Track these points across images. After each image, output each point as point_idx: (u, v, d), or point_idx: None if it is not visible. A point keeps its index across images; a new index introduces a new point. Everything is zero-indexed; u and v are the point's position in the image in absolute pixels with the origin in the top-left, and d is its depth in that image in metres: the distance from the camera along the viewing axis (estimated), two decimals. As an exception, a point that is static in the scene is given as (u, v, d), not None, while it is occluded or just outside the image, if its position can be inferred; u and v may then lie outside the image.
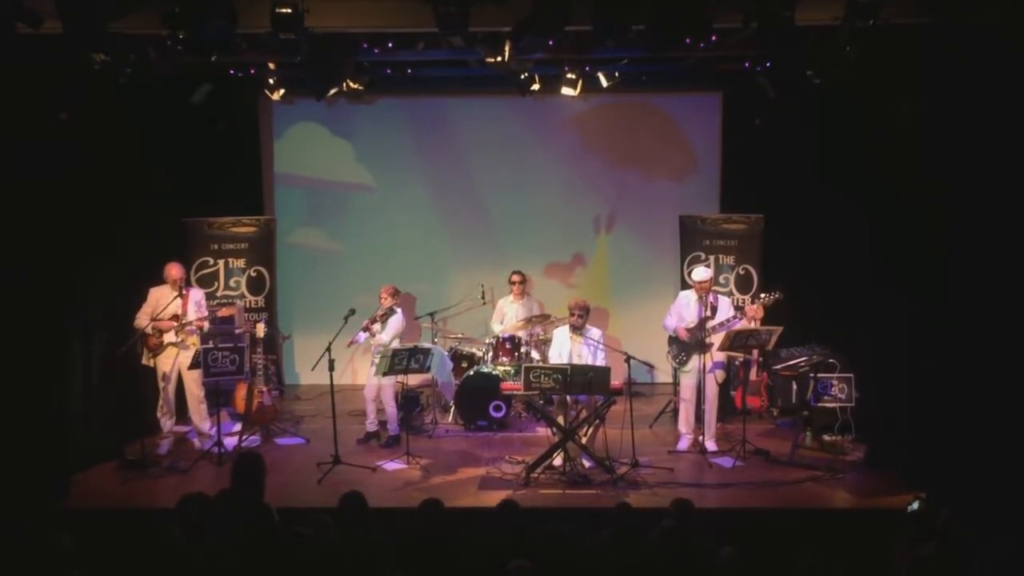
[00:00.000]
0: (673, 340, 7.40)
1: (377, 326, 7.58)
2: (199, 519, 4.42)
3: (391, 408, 7.63)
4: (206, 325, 7.41)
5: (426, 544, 4.29)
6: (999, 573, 4.01)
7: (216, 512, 4.56)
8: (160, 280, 7.30)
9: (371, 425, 7.76)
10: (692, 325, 7.23)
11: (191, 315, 7.27)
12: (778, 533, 5.46)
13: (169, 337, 7.23)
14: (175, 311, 7.21)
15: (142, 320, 7.17)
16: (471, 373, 8.18)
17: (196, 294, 7.47)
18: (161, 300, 7.19)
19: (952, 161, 6.30)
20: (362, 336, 7.66)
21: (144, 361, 7.26)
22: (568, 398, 6.80)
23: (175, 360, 7.27)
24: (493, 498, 6.13)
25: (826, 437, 7.40)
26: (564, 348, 7.06)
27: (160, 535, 4.03)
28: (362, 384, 7.78)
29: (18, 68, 6.24)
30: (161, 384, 7.30)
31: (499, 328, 8.71)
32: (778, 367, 7.87)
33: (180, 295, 7.20)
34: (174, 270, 7.28)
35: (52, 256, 6.78)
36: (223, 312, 7.76)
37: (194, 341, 7.29)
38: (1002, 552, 4.05)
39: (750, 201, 9.02)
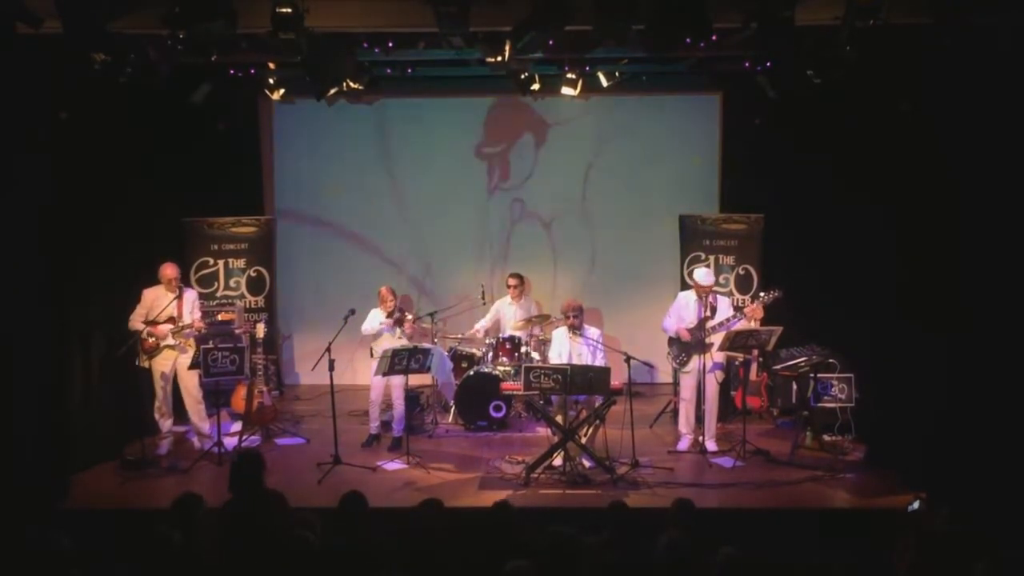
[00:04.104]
0: (673, 340, 7.40)
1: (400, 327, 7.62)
2: (194, 519, 4.43)
3: (400, 407, 7.61)
4: (203, 327, 7.40)
5: (426, 544, 4.29)
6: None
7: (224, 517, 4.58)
8: (157, 280, 7.29)
9: (375, 428, 7.75)
10: (692, 325, 7.24)
11: (187, 317, 7.24)
12: (778, 533, 5.47)
13: (167, 340, 7.20)
14: (171, 313, 7.18)
15: (136, 322, 7.13)
16: (471, 373, 8.18)
17: (190, 294, 7.44)
18: (156, 301, 7.17)
19: (953, 160, 6.30)
20: (386, 328, 7.66)
21: (139, 363, 7.20)
22: (568, 398, 6.80)
23: (173, 361, 7.25)
24: (493, 498, 6.11)
25: (826, 437, 7.40)
26: (564, 348, 7.06)
27: (158, 536, 4.03)
28: (362, 384, 7.76)
29: (18, 68, 6.24)
30: (160, 384, 7.28)
31: (480, 325, 8.81)
32: (778, 367, 7.86)
33: (179, 296, 7.19)
34: (169, 270, 7.23)
35: (51, 256, 6.78)
36: (223, 316, 7.74)
37: (191, 343, 7.28)
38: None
39: (750, 201, 9.02)
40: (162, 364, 7.24)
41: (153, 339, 7.16)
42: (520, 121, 9.74)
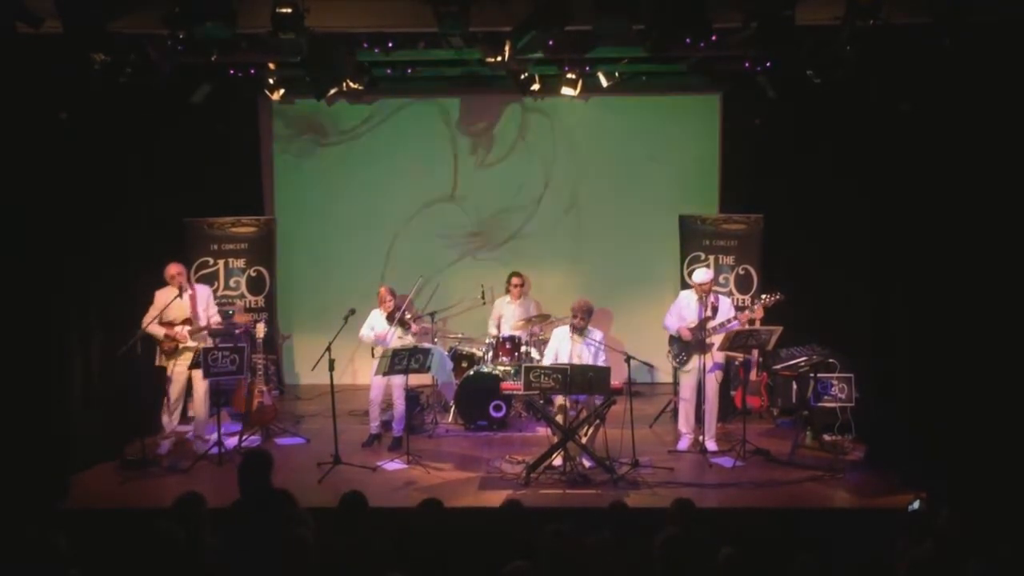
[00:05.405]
0: (674, 340, 7.40)
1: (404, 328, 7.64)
2: (196, 518, 4.43)
3: (400, 406, 7.60)
4: (220, 323, 7.43)
5: (426, 544, 4.29)
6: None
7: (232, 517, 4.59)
8: (162, 282, 7.29)
9: (375, 428, 7.75)
10: (693, 325, 7.23)
11: (202, 318, 7.31)
12: (778, 533, 5.47)
13: (187, 342, 7.21)
14: (185, 315, 7.22)
15: (147, 323, 7.15)
16: (471, 373, 8.18)
17: (203, 292, 7.49)
18: (167, 303, 7.19)
19: (953, 161, 6.30)
20: (391, 334, 7.65)
21: (158, 363, 7.31)
22: (568, 399, 6.80)
23: (175, 362, 7.27)
24: (493, 498, 6.15)
25: (826, 437, 7.39)
26: (564, 348, 7.05)
27: (159, 535, 4.03)
28: (362, 384, 7.75)
29: (18, 68, 6.24)
30: (168, 385, 7.30)
31: (491, 324, 8.82)
32: (778, 367, 7.87)
33: (180, 295, 7.19)
34: (172, 268, 7.28)
35: (52, 256, 6.78)
36: (239, 319, 7.76)
37: (209, 343, 7.33)
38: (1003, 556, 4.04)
39: (750, 201, 9.02)
40: (169, 365, 7.28)
41: (173, 342, 7.20)
42: (520, 121, 9.73)
